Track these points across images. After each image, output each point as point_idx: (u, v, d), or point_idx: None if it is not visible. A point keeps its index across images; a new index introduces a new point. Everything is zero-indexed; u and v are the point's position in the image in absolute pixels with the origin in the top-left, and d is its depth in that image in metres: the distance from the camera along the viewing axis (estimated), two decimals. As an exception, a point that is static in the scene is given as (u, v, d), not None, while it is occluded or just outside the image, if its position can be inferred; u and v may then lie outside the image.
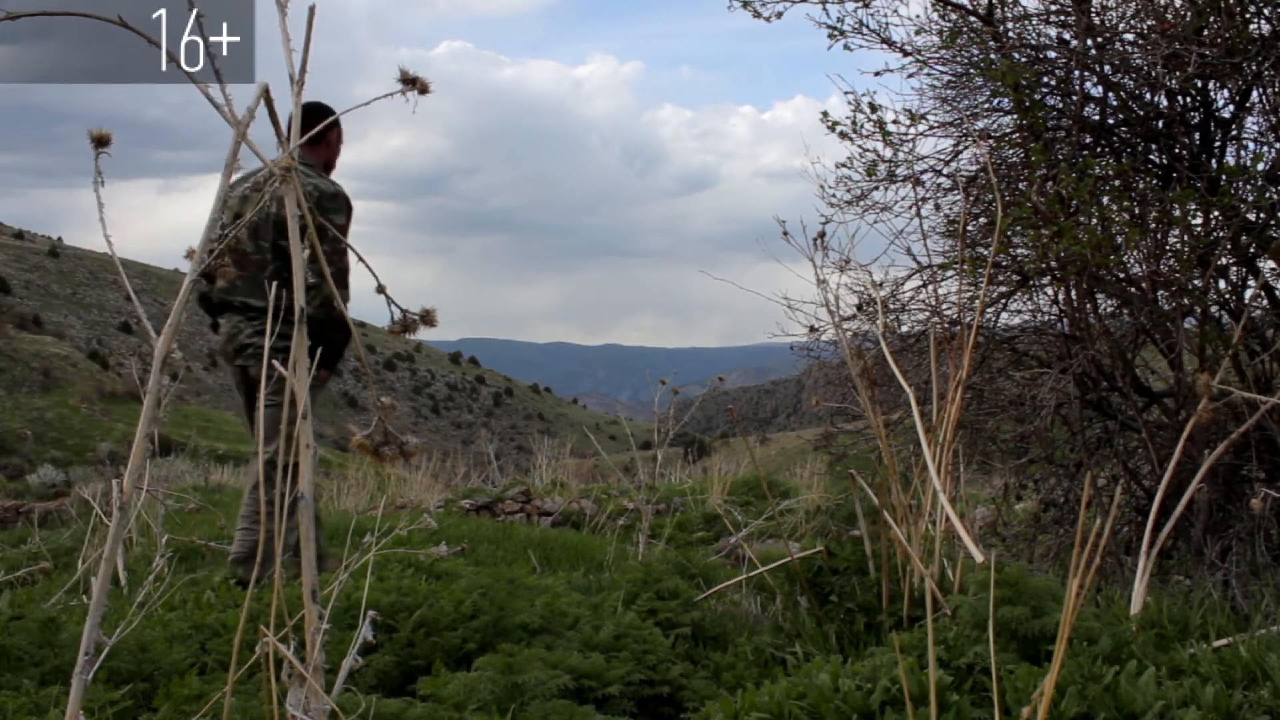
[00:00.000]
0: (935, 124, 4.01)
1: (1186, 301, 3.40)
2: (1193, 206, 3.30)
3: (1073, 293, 3.71)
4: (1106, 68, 3.59)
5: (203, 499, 6.95)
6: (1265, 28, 3.30)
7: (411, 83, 1.12)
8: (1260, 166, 3.37)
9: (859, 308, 4.06)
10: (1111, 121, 3.74)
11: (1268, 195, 3.35)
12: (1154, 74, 3.47)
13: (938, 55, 3.93)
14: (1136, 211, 3.49)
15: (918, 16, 3.89)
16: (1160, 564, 3.51)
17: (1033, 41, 3.79)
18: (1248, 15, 3.26)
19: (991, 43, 3.74)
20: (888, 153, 3.99)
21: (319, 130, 3.99)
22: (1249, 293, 3.57)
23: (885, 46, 3.93)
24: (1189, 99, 3.60)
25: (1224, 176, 3.33)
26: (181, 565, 4.36)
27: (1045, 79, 3.74)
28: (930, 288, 4.07)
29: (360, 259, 1.30)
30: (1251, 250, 3.47)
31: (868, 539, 3.04)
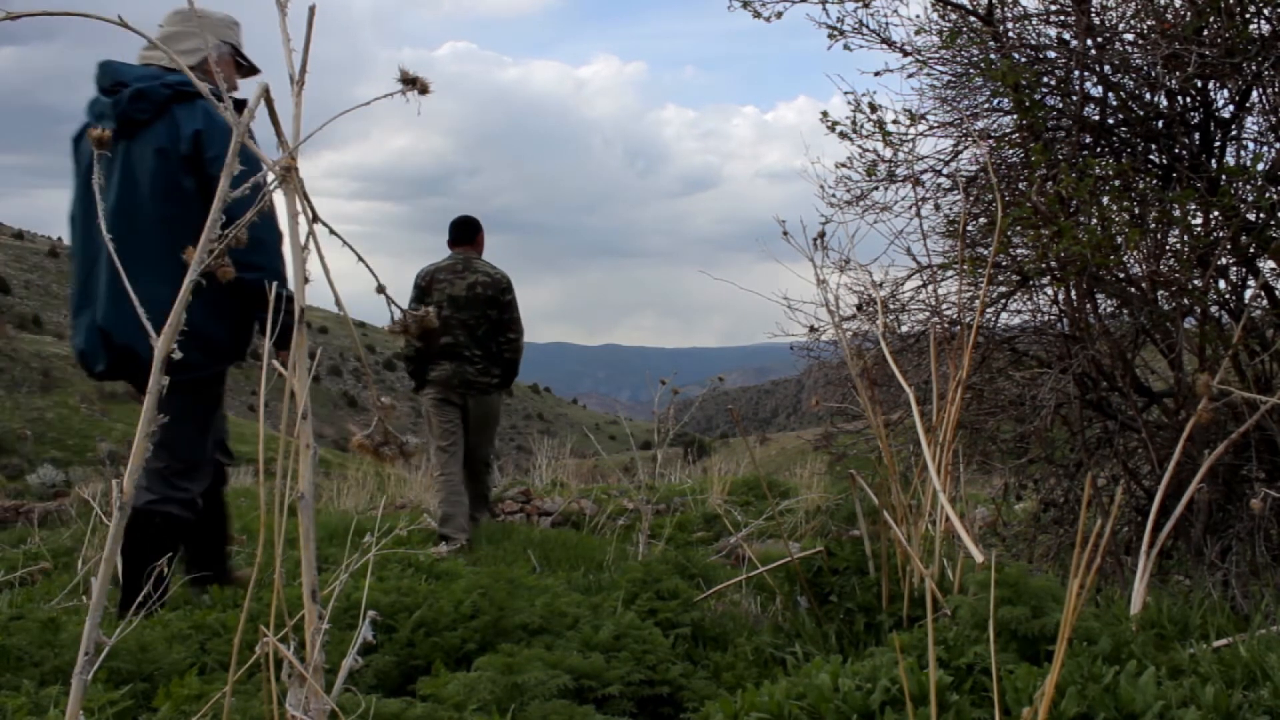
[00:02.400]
0: (935, 124, 4.01)
1: (1186, 301, 3.40)
2: (1193, 206, 3.30)
3: (1073, 293, 3.71)
4: (1106, 68, 3.59)
5: (203, 499, 6.94)
6: (1265, 28, 3.30)
7: (411, 83, 1.12)
8: (1260, 166, 3.37)
9: (859, 308, 4.06)
10: (1111, 121, 3.74)
11: (1268, 195, 3.35)
12: (1154, 74, 3.47)
13: (938, 55, 3.93)
14: (1136, 211, 3.49)
15: (918, 16, 3.90)
16: (1160, 564, 3.51)
17: (1033, 41, 3.79)
18: (1248, 15, 3.26)
19: (991, 43, 3.74)
20: (888, 153, 3.99)
21: (473, 233, 5.63)
22: (1249, 293, 3.57)
23: (885, 46, 3.93)
24: (1189, 99, 3.60)
25: (1224, 176, 3.33)
26: (181, 565, 4.36)
27: (1045, 79, 3.74)
28: (930, 288, 4.07)
29: (360, 259, 1.30)
30: (1251, 250, 3.47)
31: (868, 539, 3.05)
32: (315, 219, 1.19)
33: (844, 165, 4.10)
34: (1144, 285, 3.55)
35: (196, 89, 2.49)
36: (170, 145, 2.87)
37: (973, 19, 3.86)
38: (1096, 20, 3.60)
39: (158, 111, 2.87)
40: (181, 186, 2.88)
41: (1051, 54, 3.75)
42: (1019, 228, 3.51)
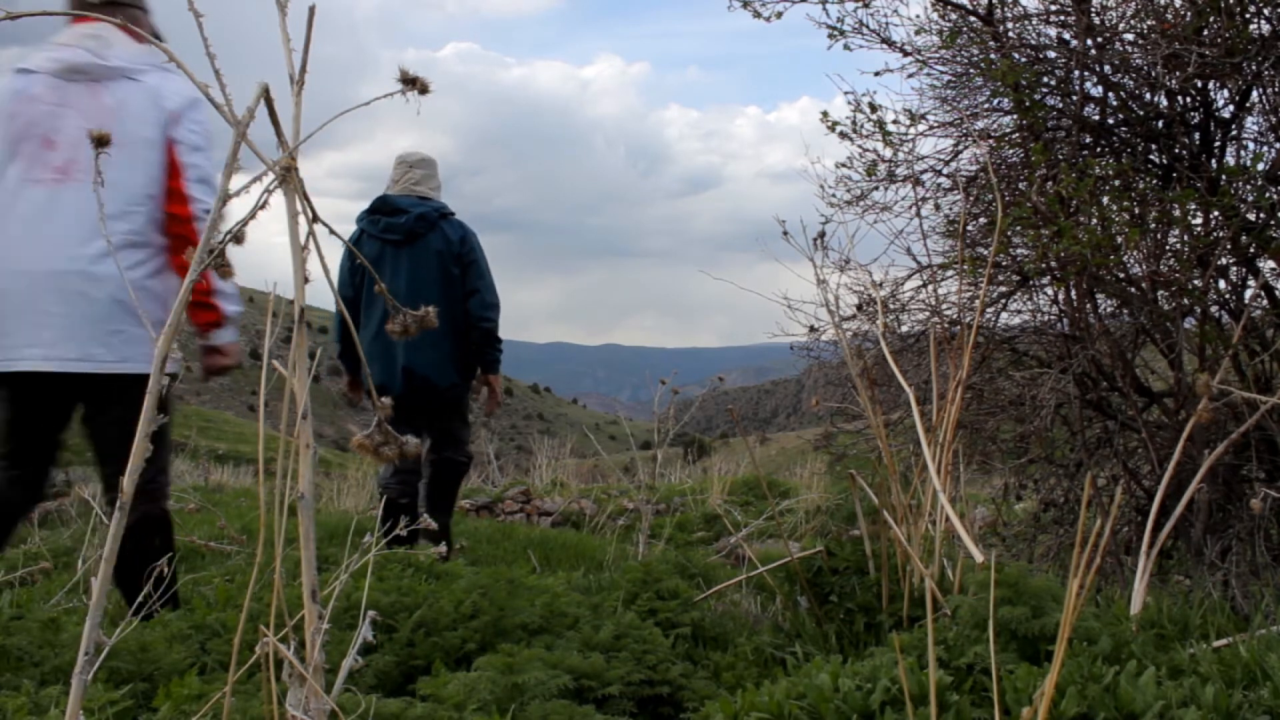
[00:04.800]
0: (935, 124, 4.01)
1: (1186, 301, 3.40)
2: (1193, 206, 3.30)
3: (1073, 293, 3.71)
4: (1106, 68, 3.59)
5: (203, 499, 6.95)
6: (1265, 28, 3.30)
7: (411, 83, 1.12)
8: (1260, 166, 3.37)
9: (859, 308, 4.06)
10: (1111, 121, 3.74)
11: (1268, 195, 3.35)
12: (1154, 74, 3.47)
13: (938, 55, 3.93)
14: (1136, 211, 3.49)
15: (918, 16, 3.90)
16: (1160, 564, 3.51)
17: (1033, 41, 3.79)
18: (1248, 15, 3.26)
19: (991, 43, 3.74)
20: (888, 153, 3.99)
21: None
22: (1249, 293, 3.57)
23: (885, 46, 3.93)
24: (1189, 99, 3.60)
25: (1224, 176, 3.33)
26: (181, 565, 4.36)
27: (1045, 79, 3.74)
28: (930, 288, 4.07)
29: (360, 258, 1.30)
30: (1251, 250, 3.47)
31: (868, 539, 3.05)
32: (315, 219, 1.19)
33: (844, 165, 4.10)
34: (1144, 285, 3.55)
35: (449, 211, 4.50)
36: (445, 248, 4.39)
37: (973, 19, 3.86)
38: (1096, 20, 3.60)
39: (431, 227, 4.41)
40: (451, 273, 4.41)
41: (1051, 54, 3.75)
42: (1019, 228, 3.51)
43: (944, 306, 3.96)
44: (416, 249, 4.38)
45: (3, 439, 2.82)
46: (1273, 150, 3.48)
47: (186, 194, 2.83)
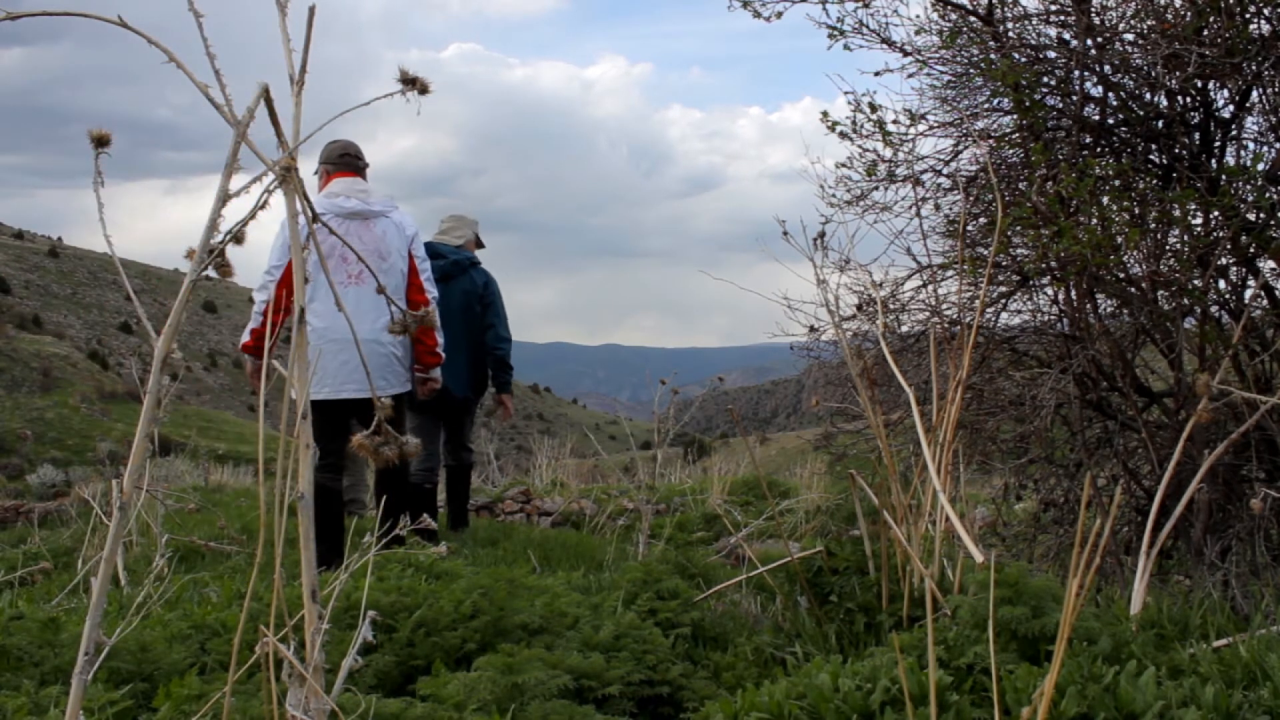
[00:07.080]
0: (935, 124, 4.01)
1: (1186, 301, 3.40)
2: (1193, 206, 3.30)
3: (1073, 293, 3.71)
4: (1106, 68, 3.59)
5: (203, 499, 6.95)
6: (1265, 28, 3.30)
7: (411, 83, 1.12)
8: (1260, 166, 3.37)
9: (859, 308, 4.05)
10: (1111, 121, 3.74)
11: (1268, 195, 3.35)
12: (1154, 74, 3.47)
13: (938, 55, 3.92)
14: (1136, 211, 3.49)
15: (918, 16, 3.89)
16: (1160, 564, 3.51)
17: (1033, 41, 3.79)
18: (1248, 15, 3.26)
19: (991, 43, 3.74)
20: (888, 153, 3.99)
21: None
22: (1249, 293, 3.57)
23: (885, 46, 3.93)
24: (1189, 99, 3.60)
25: (1224, 176, 3.33)
26: (181, 565, 4.36)
27: (1045, 79, 3.74)
28: (930, 288, 4.07)
29: (359, 259, 1.30)
30: (1251, 250, 3.47)
31: (868, 539, 3.04)
32: (314, 219, 1.19)
33: (844, 165, 4.10)
34: (1144, 285, 3.55)
35: (477, 260, 5.74)
36: (471, 289, 5.55)
37: (973, 19, 3.86)
38: (1096, 20, 3.60)
39: (462, 271, 5.54)
40: (474, 310, 5.56)
41: (1051, 54, 3.75)
42: (1019, 228, 3.51)
43: (944, 306, 3.96)
44: (449, 287, 5.41)
45: (323, 449, 4.28)
46: (1273, 150, 3.48)
47: (423, 286, 4.52)
